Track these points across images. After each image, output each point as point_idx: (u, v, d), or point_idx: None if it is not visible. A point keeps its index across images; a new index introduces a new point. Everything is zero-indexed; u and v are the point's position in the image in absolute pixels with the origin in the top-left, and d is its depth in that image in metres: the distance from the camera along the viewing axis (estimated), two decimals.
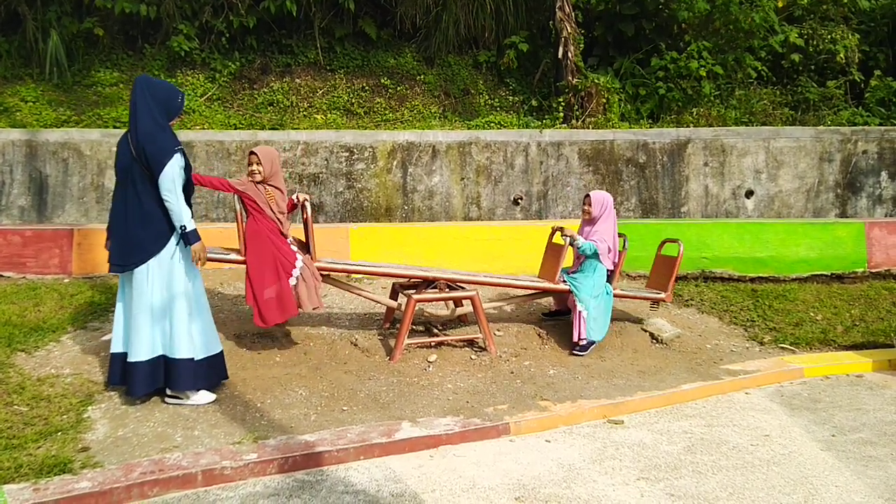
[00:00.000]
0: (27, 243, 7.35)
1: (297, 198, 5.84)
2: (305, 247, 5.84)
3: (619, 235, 6.75)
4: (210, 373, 5.04)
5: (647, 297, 6.98)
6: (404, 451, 4.57)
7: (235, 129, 9.60)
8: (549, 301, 7.22)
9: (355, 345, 6.20)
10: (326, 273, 6.04)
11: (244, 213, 5.59)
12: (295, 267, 5.53)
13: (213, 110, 9.94)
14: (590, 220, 6.63)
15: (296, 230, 5.94)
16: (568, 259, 6.64)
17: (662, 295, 6.88)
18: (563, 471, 4.35)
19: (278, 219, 5.57)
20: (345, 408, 5.12)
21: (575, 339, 6.39)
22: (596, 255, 6.45)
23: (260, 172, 5.53)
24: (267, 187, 5.57)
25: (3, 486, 3.81)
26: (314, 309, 5.70)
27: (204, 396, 5.01)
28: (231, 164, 8.92)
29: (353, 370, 5.80)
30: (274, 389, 5.33)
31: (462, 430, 4.78)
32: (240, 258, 5.59)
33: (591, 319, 6.36)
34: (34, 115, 9.30)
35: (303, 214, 5.78)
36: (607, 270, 6.57)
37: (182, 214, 4.78)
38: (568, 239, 6.44)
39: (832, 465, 4.52)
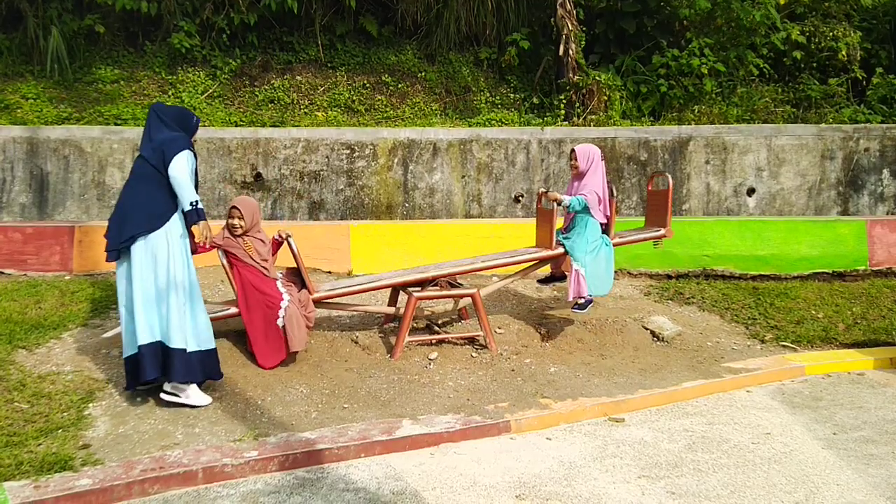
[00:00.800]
0: (28, 240, 7.35)
1: (280, 235, 5.85)
2: (301, 281, 5.86)
3: (609, 185, 6.52)
4: (202, 368, 4.95)
5: (647, 238, 6.82)
6: (405, 449, 4.58)
7: (236, 126, 9.60)
8: None
9: (356, 342, 6.20)
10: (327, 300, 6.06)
11: (229, 265, 5.62)
12: (280, 307, 5.54)
13: (213, 107, 9.93)
14: (577, 175, 6.46)
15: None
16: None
17: (662, 231, 6.76)
18: (564, 469, 4.35)
19: (261, 265, 5.60)
20: (345, 405, 5.12)
21: (571, 298, 6.22)
22: (586, 210, 6.26)
23: (241, 227, 5.57)
24: (245, 238, 5.60)
25: (4, 483, 3.81)
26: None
27: (199, 398, 4.97)
28: (231, 161, 8.91)
29: (353, 368, 5.80)
30: (275, 387, 5.33)
31: (463, 428, 4.78)
32: (236, 311, 5.64)
33: (591, 276, 6.20)
34: (35, 112, 9.29)
35: (291, 251, 5.78)
36: (601, 223, 6.40)
37: (191, 192, 4.86)
38: (553, 203, 6.29)
39: (833, 463, 4.52)
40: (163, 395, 4.90)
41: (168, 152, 4.82)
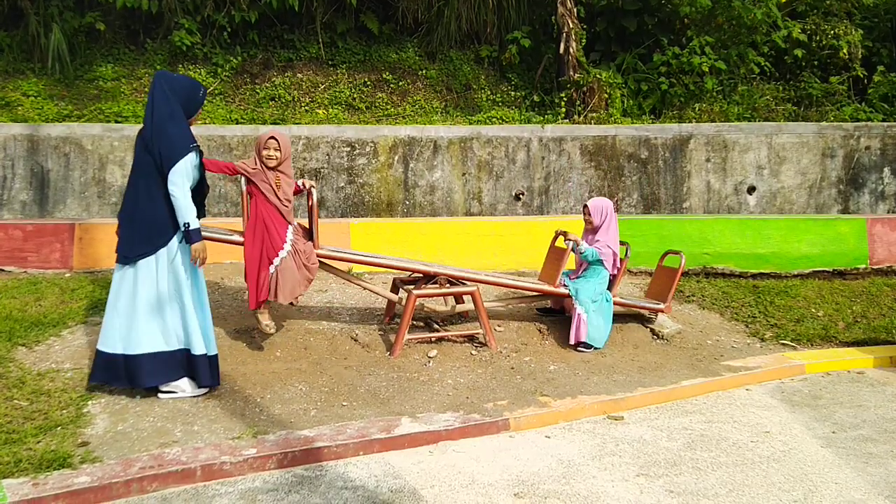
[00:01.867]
0: (28, 238, 7.35)
1: (304, 184, 5.83)
2: (309, 234, 5.84)
3: (622, 244, 6.76)
4: (215, 371, 5.10)
5: (646, 308, 6.96)
6: (404, 447, 4.57)
7: (237, 123, 9.60)
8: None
9: (355, 340, 6.20)
10: (327, 262, 6.04)
11: (249, 196, 5.57)
12: (277, 256, 5.49)
13: (214, 105, 9.93)
14: (592, 229, 6.64)
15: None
16: (570, 262, 6.65)
17: (662, 306, 6.88)
18: (563, 467, 4.35)
19: (283, 204, 5.55)
20: (344, 403, 5.13)
21: (572, 341, 6.37)
22: (599, 262, 6.46)
23: (277, 158, 5.51)
24: (277, 172, 5.56)
25: (3, 480, 3.81)
26: (290, 304, 5.69)
27: (195, 389, 5.03)
28: (232, 158, 8.90)
29: (353, 365, 5.80)
30: (274, 384, 5.34)
31: (462, 426, 4.78)
32: (240, 239, 5.61)
33: (591, 324, 6.35)
34: (36, 109, 9.29)
35: (308, 201, 5.78)
36: (609, 276, 6.57)
37: (186, 211, 4.80)
38: (571, 244, 6.44)
39: (832, 461, 4.51)
40: (160, 395, 4.94)
41: (167, 163, 4.72)
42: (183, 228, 4.81)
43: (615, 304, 6.62)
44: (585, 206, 6.69)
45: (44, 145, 8.64)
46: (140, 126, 5.06)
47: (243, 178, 5.55)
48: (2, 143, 8.57)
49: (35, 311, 6.24)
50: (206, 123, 9.33)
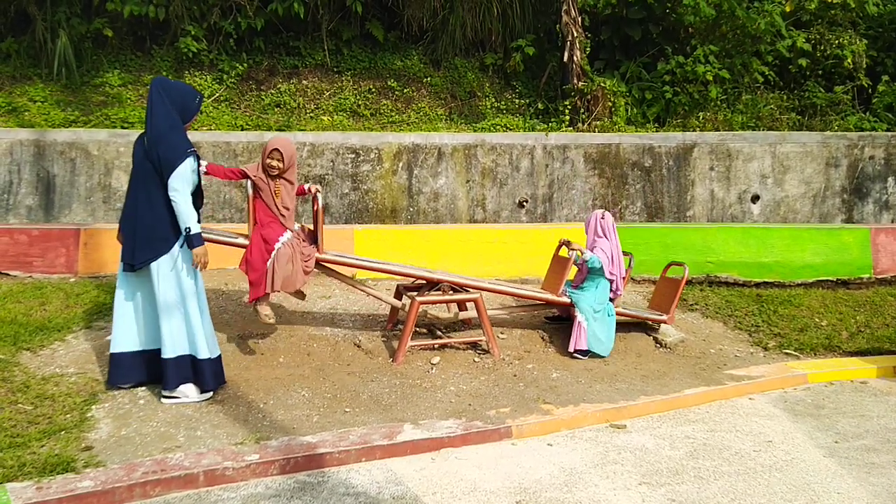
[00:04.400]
0: (34, 242, 7.39)
1: (310, 188, 5.87)
2: (314, 237, 5.87)
3: (625, 254, 6.79)
4: (219, 372, 5.16)
5: (648, 318, 6.97)
6: (406, 454, 4.58)
7: (242, 130, 9.63)
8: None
9: (358, 346, 6.22)
10: (331, 266, 6.06)
11: (254, 200, 5.63)
12: (273, 249, 5.52)
13: (220, 111, 9.97)
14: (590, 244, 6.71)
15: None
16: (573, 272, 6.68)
17: (664, 317, 6.89)
18: (565, 475, 4.35)
19: (280, 211, 5.59)
20: (347, 409, 5.13)
21: (571, 349, 6.38)
22: (602, 271, 6.47)
23: (279, 168, 5.56)
24: (277, 181, 5.59)
25: (7, 484, 3.83)
26: (294, 292, 5.78)
27: (199, 395, 5.07)
28: (237, 164, 8.94)
29: (355, 372, 5.81)
30: (277, 390, 5.35)
31: (464, 433, 4.79)
32: (244, 242, 5.65)
33: (591, 333, 6.37)
34: (42, 114, 9.35)
35: (313, 206, 5.81)
36: (610, 287, 6.58)
37: (188, 216, 4.84)
38: (574, 253, 6.46)
39: (835, 471, 4.51)
40: (164, 401, 4.98)
41: (167, 168, 4.77)
42: (185, 233, 4.85)
43: (618, 314, 6.63)
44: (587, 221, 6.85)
45: (50, 150, 8.69)
46: (141, 131, 5.11)
47: (250, 183, 5.59)
48: (8, 148, 8.62)
49: (40, 315, 6.26)
50: (211, 129, 9.37)
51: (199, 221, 5.04)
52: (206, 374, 5.02)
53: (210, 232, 5.57)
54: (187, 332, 4.98)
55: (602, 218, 6.69)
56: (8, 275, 7.27)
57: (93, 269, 7.41)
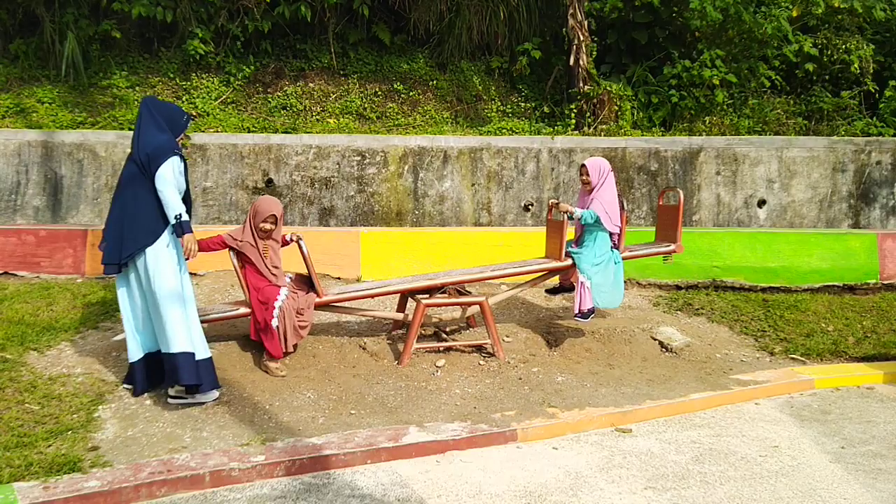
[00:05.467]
0: (41, 243, 7.42)
1: (292, 237, 5.84)
2: (309, 283, 5.88)
3: (620, 198, 6.57)
4: (208, 373, 5.06)
5: (657, 252, 6.84)
6: (411, 456, 4.58)
7: (249, 132, 9.66)
8: None
9: (364, 349, 6.22)
10: (337, 305, 6.11)
11: (242, 266, 5.62)
12: (275, 307, 5.54)
13: (226, 113, 10.00)
14: (588, 190, 6.47)
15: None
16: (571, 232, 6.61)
17: (673, 247, 6.78)
18: (570, 478, 4.35)
19: (271, 272, 5.60)
20: (352, 411, 5.14)
21: (576, 311, 6.27)
22: (598, 223, 6.30)
23: (271, 231, 5.61)
24: (267, 242, 5.63)
25: (14, 483, 3.85)
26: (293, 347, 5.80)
27: (205, 395, 5.06)
28: (243, 166, 8.97)
29: (361, 374, 5.81)
30: (282, 392, 5.36)
31: (469, 436, 4.79)
32: (247, 311, 5.67)
33: (597, 288, 6.26)
34: (50, 116, 9.39)
35: (301, 253, 5.80)
36: (611, 236, 6.44)
37: (176, 205, 4.87)
38: (565, 215, 6.32)
39: (841, 477, 4.49)
40: (170, 400, 4.98)
41: (154, 162, 4.84)
42: (174, 221, 4.87)
43: (625, 258, 6.52)
44: (583, 164, 6.49)
45: (58, 152, 8.73)
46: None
47: (233, 254, 5.59)
48: (16, 149, 8.66)
49: (47, 315, 6.29)
50: (217, 132, 9.40)
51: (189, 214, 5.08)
52: (206, 373, 5.00)
53: (211, 311, 5.70)
54: (186, 327, 4.95)
55: (611, 171, 6.48)
56: (15, 275, 7.30)
57: (100, 269, 7.29)
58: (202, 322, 5.21)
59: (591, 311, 6.31)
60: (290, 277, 5.92)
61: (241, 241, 5.55)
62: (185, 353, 4.87)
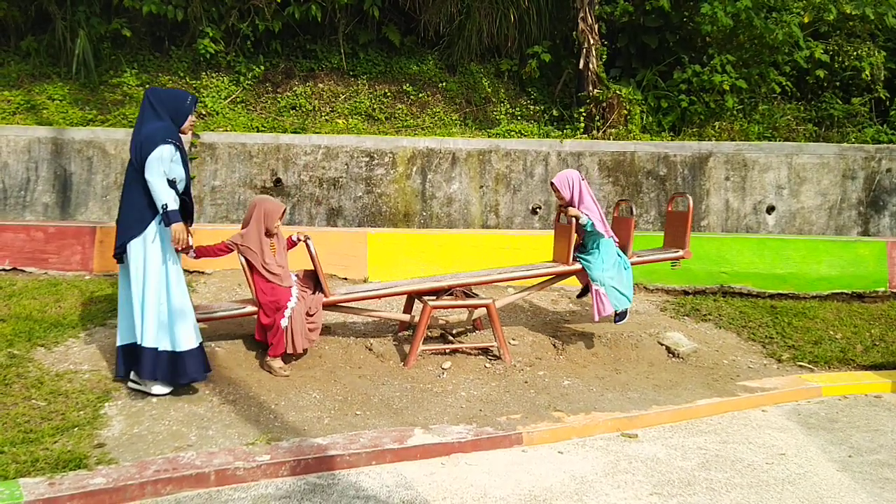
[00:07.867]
0: (50, 240, 7.44)
1: (299, 237, 5.88)
2: (316, 282, 5.88)
3: (625, 201, 6.83)
4: (175, 368, 4.98)
5: (666, 258, 6.84)
6: (416, 458, 4.58)
7: (258, 131, 9.67)
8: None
9: (370, 350, 6.22)
10: (343, 305, 6.12)
11: (250, 269, 5.61)
12: (287, 307, 5.55)
13: (236, 112, 10.02)
14: (565, 205, 6.44)
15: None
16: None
17: (681, 252, 6.77)
18: (575, 483, 4.33)
19: (275, 273, 5.59)
20: (358, 412, 5.14)
21: (596, 319, 6.34)
22: (596, 232, 6.32)
23: (278, 229, 5.67)
24: (272, 238, 5.66)
25: (19, 479, 3.86)
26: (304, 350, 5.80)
27: (159, 388, 5.04)
28: (252, 165, 8.99)
29: (367, 375, 5.81)
30: (288, 391, 5.36)
31: (474, 439, 4.78)
32: (253, 309, 5.69)
33: (612, 293, 6.31)
34: (61, 113, 9.42)
35: (309, 253, 5.80)
36: (615, 242, 6.48)
37: (163, 194, 4.86)
38: (572, 219, 6.32)
39: (848, 486, 4.46)
40: (130, 384, 5.06)
41: (143, 150, 4.86)
42: (161, 210, 4.87)
43: (634, 263, 6.58)
44: (552, 183, 6.48)
45: (67, 149, 8.76)
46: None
47: (239, 254, 5.60)
48: (26, 145, 8.70)
49: (55, 312, 6.31)
50: (227, 131, 9.42)
51: (190, 223, 5.13)
52: (186, 365, 4.96)
53: (218, 309, 5.75)
54: (169, 323, 4.94)
55: (582, 180, 6.46)
56: (24, 271, 7.32)
57: (108, 266, 7.44)
58: (208, 320, 5.21)
59: (625, 312, 6.45)
60: (297, 276, 5.92)
61: (251, 249, 5.52)
62: (150, 348, 4.89)
